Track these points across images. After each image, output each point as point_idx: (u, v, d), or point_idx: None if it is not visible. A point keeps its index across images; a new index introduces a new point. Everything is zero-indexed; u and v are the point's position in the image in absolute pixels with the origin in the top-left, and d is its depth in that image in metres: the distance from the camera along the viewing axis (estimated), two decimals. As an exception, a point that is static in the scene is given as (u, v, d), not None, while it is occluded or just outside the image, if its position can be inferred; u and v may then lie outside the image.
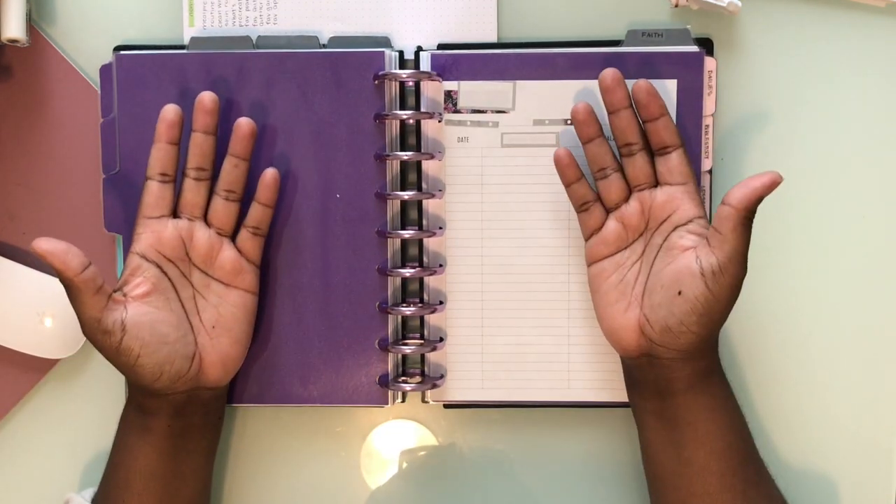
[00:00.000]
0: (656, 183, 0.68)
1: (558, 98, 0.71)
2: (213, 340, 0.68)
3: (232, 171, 0.69)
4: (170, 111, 0.67)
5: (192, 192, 0.68)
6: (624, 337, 0.67)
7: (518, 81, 0.71)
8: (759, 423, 0.74)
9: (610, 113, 0.68)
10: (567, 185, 0.69)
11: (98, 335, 0.64)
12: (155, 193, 0.68)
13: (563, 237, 0.72)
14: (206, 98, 0.68)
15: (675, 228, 0.67)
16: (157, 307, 0.66)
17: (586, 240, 0.70)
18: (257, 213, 0.70)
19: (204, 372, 0.68)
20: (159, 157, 0.68)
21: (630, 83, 0.67)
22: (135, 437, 0.68)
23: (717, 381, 0.68)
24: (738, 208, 0.62)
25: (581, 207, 0.69)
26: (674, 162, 0.67)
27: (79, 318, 0.65)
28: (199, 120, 0.68)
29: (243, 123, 0.68)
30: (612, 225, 0.68)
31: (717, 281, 0.63)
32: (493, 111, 0.71)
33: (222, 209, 0.69)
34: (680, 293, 0.64)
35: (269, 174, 0.69)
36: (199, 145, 0.68)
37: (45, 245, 0.62)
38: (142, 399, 0.68)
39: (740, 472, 0.67)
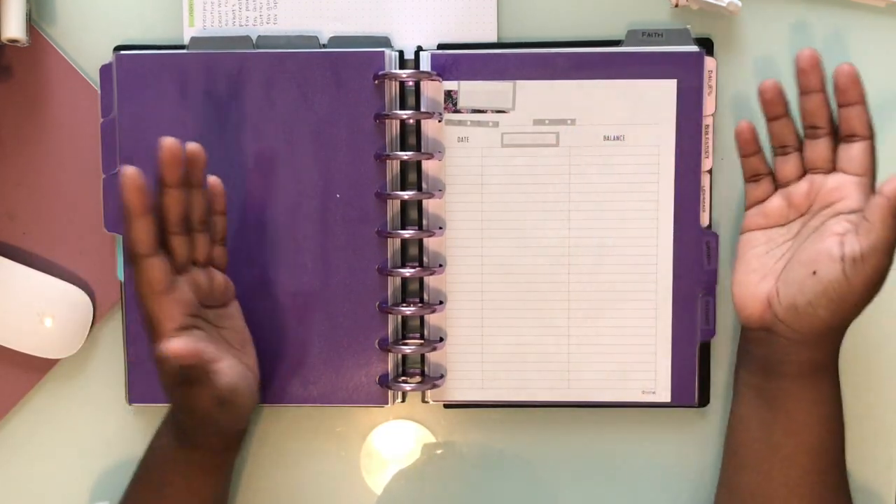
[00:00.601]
0: (831, 170, 0.67)
1: (558, 98, 0.71)
2: (248, 355, 0.69)
3: (200, 202, 0.66)
4: (133, 178, 0.61)
5: (182, 245, 0.65)
6: (750, 305, 0.67)
7: (518, 81, 0.71)
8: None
9: (802, 94, 0.67)
10: (743, 157, 0.69)
11: (217, 411, 0.64)
12: (160, 268, 0.62)
13: (564, 237, 0.72)
14: (170, 147, 0.62)
15: (836, 215, 0.65)
16: (221, 356, 0.66)
17: (747, 209, 0.69)
18: (219, 224, 0.68)
19: (260, 385, 0.70)
20: (146, 230, 0.62)
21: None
22: (204, 477, 0.69)
23: (829, 377, 0.67)
24: (890, 198, 0.61)
25: (751, 178, 0.69)
26: (856, 151, 0.65)
27: (196, 408, 0.64)
28: (170, 174, 0.63)
29: (175, 150, 0.63)
30: (776, 200, 0.68)
31: (855, 268, 0.62)
32: (493, 111, 0.71)
33: (202, 242, 0.67)
34: (815, 273, 0.64)
35: (214, 182, 0.67)
36: (178, 202, 0.64)
37: (178, 350, 0.60)
38: (230, 440, 0.69)
39: (824, 473, 0.67)
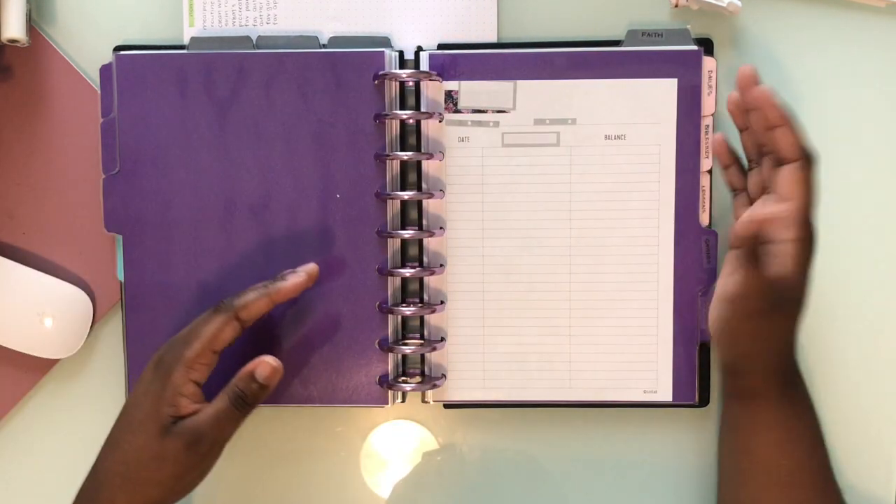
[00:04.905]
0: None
1: (559, 97, 0.71)
2: None
3: None
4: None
5: None
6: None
7: (519, 81, 0.71)
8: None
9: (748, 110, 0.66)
10: (723, 168, 0.70)
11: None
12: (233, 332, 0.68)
13: (565, 236, 0.72)
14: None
15: (762, 244, 0.64)
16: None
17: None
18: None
19: None
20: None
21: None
22: None
23: (769, 405, 0.67)
24: (731, 246, 0.64)
25: (733, 192, 0.70)
26: (781, 177, 0.63)
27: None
28: None
29: None
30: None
31: (732, 308, 0.65)
32: (493, 111, 0.71)
33: None
34: (715, 314, 0.67)
35: None
36: None
37: (269, 373, 0.66)
38: None
39: (782, 490, 0.67)
